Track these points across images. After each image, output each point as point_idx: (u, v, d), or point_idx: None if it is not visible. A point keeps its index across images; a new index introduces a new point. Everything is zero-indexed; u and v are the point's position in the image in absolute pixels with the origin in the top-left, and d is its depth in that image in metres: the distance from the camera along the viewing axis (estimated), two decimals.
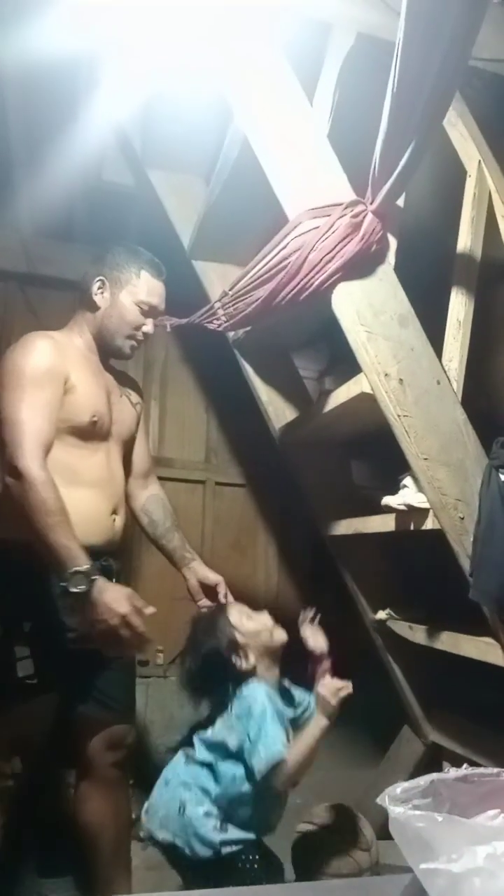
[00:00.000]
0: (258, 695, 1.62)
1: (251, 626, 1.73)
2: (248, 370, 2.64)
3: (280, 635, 1.75)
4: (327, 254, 1.78)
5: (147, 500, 2.12)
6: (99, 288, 1.89)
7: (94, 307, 1.91)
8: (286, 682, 1.79)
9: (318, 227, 1.78)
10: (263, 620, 1.75)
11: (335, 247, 1.77)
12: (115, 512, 1.88)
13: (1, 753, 1.71)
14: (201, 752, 1.67)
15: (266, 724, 1.56)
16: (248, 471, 3.25)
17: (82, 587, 1.54)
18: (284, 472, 2.70)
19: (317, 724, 1.61)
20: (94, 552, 1.69)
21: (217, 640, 1.69)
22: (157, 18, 1.88)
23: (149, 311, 1.94)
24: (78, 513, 1.68)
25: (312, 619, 1.85)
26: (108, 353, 1.96)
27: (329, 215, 1.79)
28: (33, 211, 2.86)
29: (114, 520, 1.87)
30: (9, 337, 3.03)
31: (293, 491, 2.67)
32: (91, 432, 1.83)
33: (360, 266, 1.80)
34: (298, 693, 1.78)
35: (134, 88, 2.18)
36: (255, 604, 1.79)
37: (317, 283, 1.80)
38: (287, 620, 3.24)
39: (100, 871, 1.83)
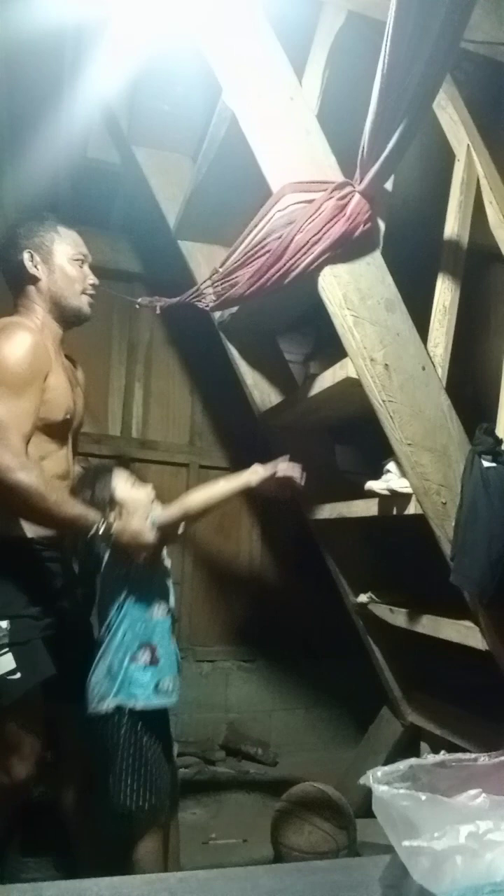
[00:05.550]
0: None
1: (132, 493, 1.83)
2: (234, 353, 2.63)
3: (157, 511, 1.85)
4: (314, 235, 1.77)
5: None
6: (30, 259, 1.85)
7: (34, 279, 1.86)
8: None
9: (305, 207, 1.77)
10: (145, 493, 1.85)
11: (322, 228, 1.76)
12: None
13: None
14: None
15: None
16: (232, 454, 3.24)
17: (105, 543, 1.69)
18: (269, 455, 2.69)
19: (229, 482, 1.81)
20: (53, 545, 1.78)
21: (97, 491, 1.82)
22: None
23: (84, 261, 1.92)
24: None
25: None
26: (67, 319, 1.91)
27: (314, 191, 1.77)
28: (17, 188, 2.81)
29: None
30: None
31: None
32: (61, 430, 1.83)
33: (347, 248, 1.79)
34: None
35: (121, 65, 2.14)
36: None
37: (303, 265, 1.80)
38: (270, 601, 3.27)
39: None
